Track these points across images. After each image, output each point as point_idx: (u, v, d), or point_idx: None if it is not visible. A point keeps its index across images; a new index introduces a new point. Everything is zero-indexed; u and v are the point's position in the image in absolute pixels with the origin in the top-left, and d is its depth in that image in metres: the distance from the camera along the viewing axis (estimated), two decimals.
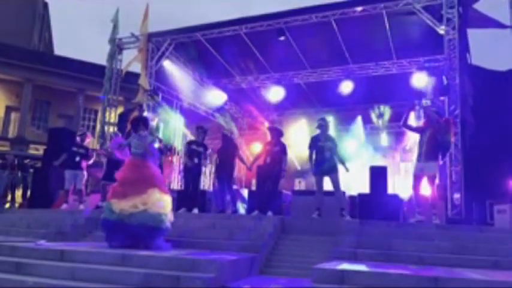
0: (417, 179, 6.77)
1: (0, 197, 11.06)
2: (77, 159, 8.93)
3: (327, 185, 7.58)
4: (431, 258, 4.97)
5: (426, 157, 6.69)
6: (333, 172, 7.39)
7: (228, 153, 8.37)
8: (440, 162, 6.79)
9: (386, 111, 13.64)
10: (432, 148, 6.69)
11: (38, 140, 20.60)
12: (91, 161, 9.25)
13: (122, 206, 5.18)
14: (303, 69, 12.80)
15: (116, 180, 5.54)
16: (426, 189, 6.80)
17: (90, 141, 9.91)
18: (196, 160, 8.26)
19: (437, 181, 7.06)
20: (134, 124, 5.96)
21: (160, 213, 5.28)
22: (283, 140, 8.16)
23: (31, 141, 21.63)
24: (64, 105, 23.08)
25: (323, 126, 7.65)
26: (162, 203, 5.35)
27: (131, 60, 12.05)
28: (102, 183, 9.03)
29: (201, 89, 13.18)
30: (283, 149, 7.89)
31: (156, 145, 6.42)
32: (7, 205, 11.30)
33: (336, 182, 7.37)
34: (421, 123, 7.13)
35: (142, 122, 5.95)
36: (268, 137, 8.31)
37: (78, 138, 9.33)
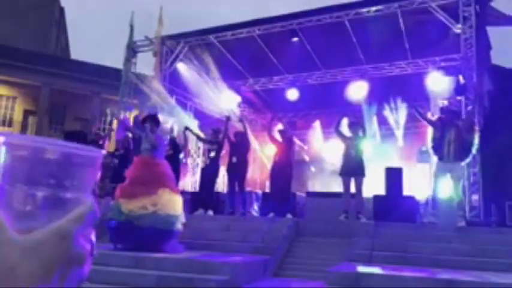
0: (439, 179, 6.53)
1: None
2: None
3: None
4: (448, 261, 4.88)
5: (455, 157, 6.42)
6: (359, 175, 7.14)
7: (240, 151, 8.07)
8: (463, 164, 6.56)
9: (402, 106, 13.29)
10: (460, 148, 6.43)
11: None
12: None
13: (130, 206, 5.05)
14: (316, 70, 12.72)
15: (125, 179, 5.43)
16: (447, 190, 6.59)
17: (106, 145, 10.00)
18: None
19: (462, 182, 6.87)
20: (144, 122, 5.92)
21: (170, 214, 5.15)
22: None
23: None
24: (80, 109, 23.38)
25: (354, 123, 7.44)
26: (173, 204, 5.24)
27: (154, 67, 12.10)
28: (111, 186, 9.10)
29: (214, 91, 13.20)
30: (293, 151, 8.03)
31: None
32: None
33: (359, 186, 7.13)
34: (434, 118, 6.95)
35: (152, 119, 5.92)
36: (279, 139, 8.12)
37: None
